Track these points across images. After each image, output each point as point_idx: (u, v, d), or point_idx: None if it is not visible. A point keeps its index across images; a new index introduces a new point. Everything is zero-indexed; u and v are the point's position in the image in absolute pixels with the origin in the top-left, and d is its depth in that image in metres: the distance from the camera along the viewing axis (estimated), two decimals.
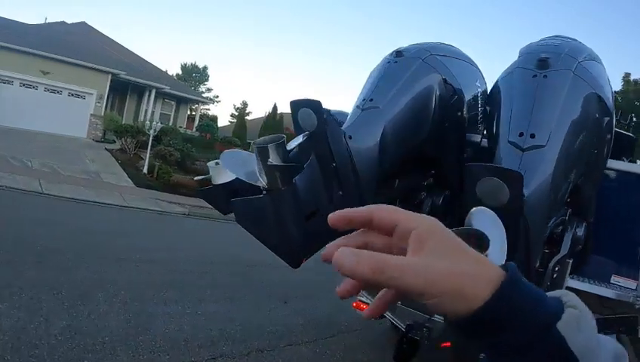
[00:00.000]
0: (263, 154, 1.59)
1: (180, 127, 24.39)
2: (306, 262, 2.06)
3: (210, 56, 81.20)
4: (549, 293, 0.47)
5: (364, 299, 4.33)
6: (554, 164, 2.01)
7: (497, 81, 2.51)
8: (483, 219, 1.44)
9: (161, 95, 23.84)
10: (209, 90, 44.60)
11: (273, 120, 25.88)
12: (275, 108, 26.68)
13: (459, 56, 2.84)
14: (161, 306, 5.01)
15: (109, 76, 20.61)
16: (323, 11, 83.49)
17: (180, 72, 43.07)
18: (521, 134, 2.05)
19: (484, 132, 2.80)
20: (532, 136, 2.02)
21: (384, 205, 0.50)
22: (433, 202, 2.81)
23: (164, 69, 29.64)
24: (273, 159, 1.62)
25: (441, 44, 2.89)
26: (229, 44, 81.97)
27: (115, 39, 26.63)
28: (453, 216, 2.86)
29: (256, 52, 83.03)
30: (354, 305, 4.41)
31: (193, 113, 28.93)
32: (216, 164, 2.52)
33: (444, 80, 2.58)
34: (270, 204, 1.78)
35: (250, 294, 6.09)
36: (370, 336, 5.47)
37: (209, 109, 37.90)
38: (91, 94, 20.50)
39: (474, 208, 1.49)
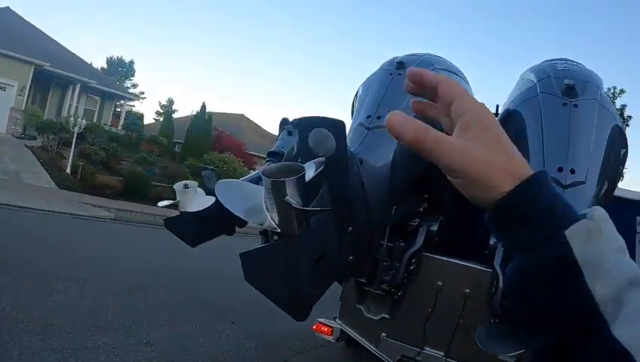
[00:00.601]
0: (277, 189, 1.20)
1: (105, 124, 23.07)
2: None
3: (135, 49, 78.00)
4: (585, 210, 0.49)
5: (323, 321, 4.03)
6: (593, 201, 1.88)
7: (513, 105, 2.29)
8: None
9: (85, 90, 22.42)
10: (134, 85, 42.81)
11: (202, 119, 25.04)
12: (203, 106, 25.75)
13: (456, 71, 2.63)
14: (100, 336, 4.37)
15: (32, 67, 19.14)
16: (254, 11, 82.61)
17: (106, 66, 40.95)
18: (560, 169, 1.90)
19: None
20: (572, 171, 1.89)
21: (449, 78, 0.55)
22: (428, 228, 2.56)
23: (88, 62, 27.94)
24: (291, 196, 1.24)
25: (436, 56, 2.65)
26: (156, 37, 79.10)
27: (40, 28, 24.81)
28: (449, 242, 2.66)
29: (184, 48, 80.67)
30: (314, 327, 4.10)
31: (118, 110, 27.46)
32: (185, 187, 2.11)
33: None
34: (282, 251, 1.41)
35: (193, 315, 5.56)
36: (327, 357, 5.15)
37: (134, 106, 36.19)
38: (12, 86, 19.00)
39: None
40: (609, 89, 23.22)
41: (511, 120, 2.25)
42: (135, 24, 76.24)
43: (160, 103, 43.38)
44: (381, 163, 1.91)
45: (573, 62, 2.49)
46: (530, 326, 0.49)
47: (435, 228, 2.53)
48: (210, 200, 2.04)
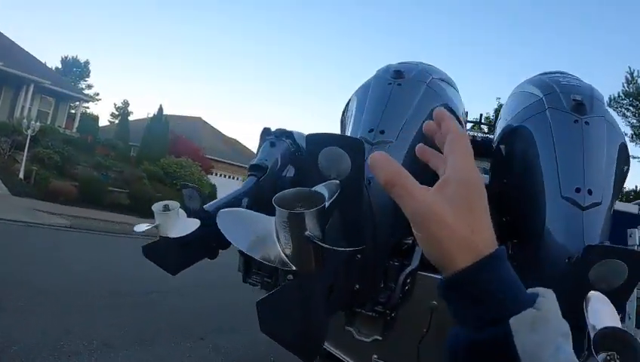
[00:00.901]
0: (296, 222, 1.01)
1: (60, 126, 22.17)
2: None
3: (90, 49, 75.77)
4: (536, 289, 0.50)
5: None
6: (607, 222, 1.79)
7: (517, 121, 2.19)
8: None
9: (39, 90, 21.47)
10: (89, 86, 41.38)
11: (159, 122, 24.46)
12: (160, 109, 25.13)
13: (449, 81, 2.51)
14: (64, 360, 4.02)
15: None
16: (210, 12, 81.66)
17: (60, 66, 39.43)
18: (578, 190, 1.80)
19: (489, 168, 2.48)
20: (589, 192, 1.78)
21: (459, 135, 0.55)
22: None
23: (43, 61, 26.83)
24: (311, 230, 1.05)
25: (430, 65, 2.52)
26: (111, 36, 77.01)
27: None
28: None
29: (139, 48, 78.72)
30: None
31: (73, 111, 26.44)
32: (165, 208, 1.83)
33: (446, 106, 2.23)
34: (297, 292, 1.21)
35: (161, 332, 5.25)
36: None
37: (88, 107, 34.96)
38: None
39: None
40: None
41: (518, 136, 2.14)
42: (90, 23, 73.95)
43: (115, 105, 42.18)
44: None
45: (571, 75, 2.42)
46: None
47: None
48: (195, 224, 1.81)
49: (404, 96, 2.04)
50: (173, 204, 1.85)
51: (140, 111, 77.77)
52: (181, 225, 1.83)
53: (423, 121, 1.91)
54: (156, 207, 1.84)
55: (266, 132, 2.75)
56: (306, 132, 2.00)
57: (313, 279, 1.19)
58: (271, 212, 1.02)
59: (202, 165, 24.07)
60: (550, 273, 1.64)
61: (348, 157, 1.42)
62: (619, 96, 20.52)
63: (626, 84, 21.36)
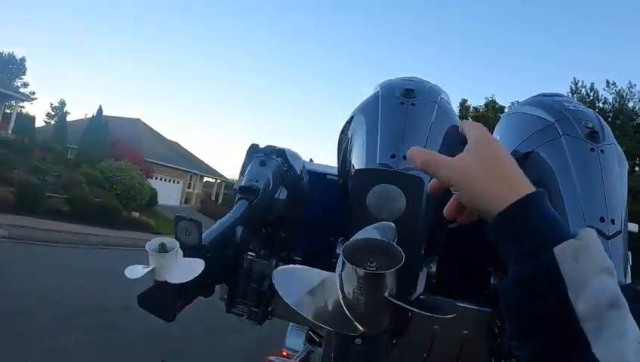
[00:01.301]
0: (375, 283, 0.85)
1: None
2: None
3: (25, 45, 72.16)
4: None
5: (273, 359, 3.65)
6: (627, 249, 1.79)
7: (528, 146, 2.11)
8: None
9: None
10: (25, 84, 39.39)
11: (97, 124, 23.66)
12: (100, 110, 24.22)
13: (449, 100, 2.42)
14: None
15: None
16: (146, 9, 79.78)
17: None
18: (602, 219, 1.75)
19: None
20: (612, 221, 1.76)
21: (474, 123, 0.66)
22: (428, 270, 2.33)
23: None
24: (391, 290, 0.91)
25: (430, 82, 2.41)
26: (48, 33, 73.54)
27: None
28: (448, 282, 2.45)
29: (76, 45, 75.46)
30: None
31: (8, 111, 25.00)
32: (161, 248, 1.53)
33: (454, 127, 2.14)
34: (365, 356, 1.03)
35: (116, 357, 4.89)
36: None
37: (24, 107, 33.26)
38: None
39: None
40: (512, 103, 25.07)
41: (533, 163, 2.06)
42: (26, 17, 70.41)
43: (52, 105, 40.28)
44: None
45: (570, 99, 2.40)
46: (518, 334, 0.53)
47: (434, 269, 2.31)
48: (199, 266, 1.52)
49: (420, 117, 1.92)
50: (172, 242, 1.53)
51: (77, 112, 74.75)
52: (182, 267, 1.52)
53: (441, 145, 1.79)
54: (151, 246, 1.52)
55: (253, 149, 2.51)
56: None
57: (382, 338, 1.03)
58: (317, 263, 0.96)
59: (142, 169, 23.31)
60: None
61: (404, 196, 1.26)
62: None
63: (570, 93, 22.64)
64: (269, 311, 2.37)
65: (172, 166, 30.88)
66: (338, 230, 3.01)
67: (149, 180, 24.52)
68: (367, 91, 2.08)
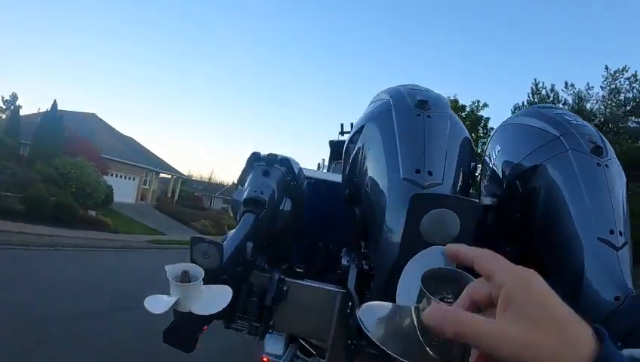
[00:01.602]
0: None
1: None
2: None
3: None
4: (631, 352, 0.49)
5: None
6: (632, 258, 1.87)
7: (535, 160, 2.18)
8: None
9: None
10: None
11: (52, 118, 22.78)
12: (55, 104, 23.31)
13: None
14: None
15: None
16: (113, 2, 77.53)
17: None
18: (611, 232, 1.83)
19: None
20: (620, 233, 1.85)
21: (487, 252, 0.53)
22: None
23: None
24: None
25: (434, 91, 2.43)
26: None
27: None
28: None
29: (28, 36, 72.40)
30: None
31: None
32: (184, 277, 1.32)
33: (467, 139, 2.19)
34: None
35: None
36: None
37: None
38: None
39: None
40: (473, 102, 25.55)
41: (541, 176, 2.11)
42: None
43: (3, 98, 38.51)
44: None
45: (566, 110, 2.46)
46: None
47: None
48: (228, 294, 1.36)
49: (438, 130, 1.94)
50: (195, 270, 1.37)
51: (30, 106, 71.82)
52: (207, 297, 1.36)
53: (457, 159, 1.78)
54: (171, 273, 1.32)
55: (255, 157, 2.42)
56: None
57: None
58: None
59: (98, 166, 22.63)
60: (593, 312, 1.66)
61: (459, 221, 1.25)
62: (523, 105, 22.24)
63: (531, 95, 23.44)
64: (270, 325, 2.32)
65: (128, 162, 30.07)
66: (334, 238, 2.98)
67: (105, 177, 23.82)
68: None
